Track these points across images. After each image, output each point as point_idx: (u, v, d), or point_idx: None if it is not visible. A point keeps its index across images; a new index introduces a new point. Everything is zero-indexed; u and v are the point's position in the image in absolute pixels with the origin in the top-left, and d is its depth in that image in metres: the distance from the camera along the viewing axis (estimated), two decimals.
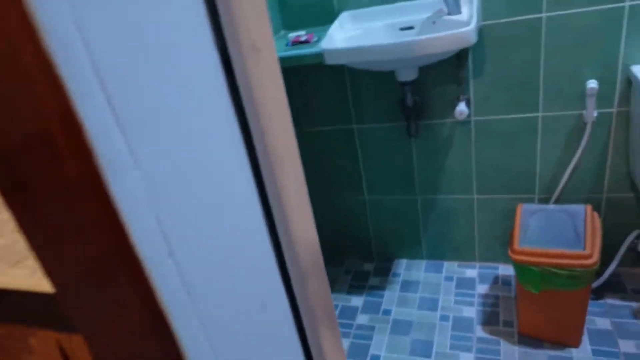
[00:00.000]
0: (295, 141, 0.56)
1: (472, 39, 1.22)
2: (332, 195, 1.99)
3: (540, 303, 1.42)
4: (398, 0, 1.52)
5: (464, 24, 1.32)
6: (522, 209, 1.46)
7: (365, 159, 1.86)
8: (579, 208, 1.40)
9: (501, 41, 1.48)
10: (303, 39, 1.48)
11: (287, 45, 1.49)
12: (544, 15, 1.40)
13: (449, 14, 1.42)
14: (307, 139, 1.89)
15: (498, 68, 1.53)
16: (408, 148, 1.78)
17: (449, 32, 1.22)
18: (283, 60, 1.42)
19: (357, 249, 2.10)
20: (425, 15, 1.48)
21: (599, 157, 1.57)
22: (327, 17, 1.61)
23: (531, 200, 1.71)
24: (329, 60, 1.36)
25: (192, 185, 0.39)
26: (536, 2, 1.39)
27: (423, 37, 1.24)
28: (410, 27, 1.50)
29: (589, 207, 1.41)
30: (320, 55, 1.37)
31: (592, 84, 1.42)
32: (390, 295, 1.86)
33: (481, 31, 1.48)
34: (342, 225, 2.05)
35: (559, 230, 1.39)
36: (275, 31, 1.65)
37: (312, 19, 1.64)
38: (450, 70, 1.57)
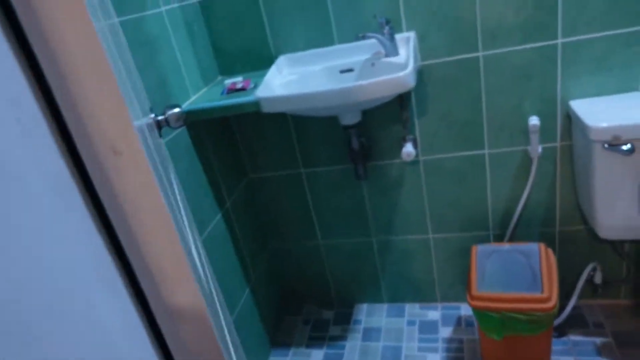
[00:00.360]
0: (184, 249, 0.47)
1: (410, 83, 1.18)
2: (285, 241, 1.90)
3: (504, 348, 1.35)
4: (335, 42, 1.48)
5: (402, 67, 1.28)
6: (477, 250, 1.41)
7: (316, 203, 1.79)
8: (532, 247, 1.36)
9: (442, 80, 1.46)
10: (239, 86, 1.41)
11: (222, 93, 1.41)
12: (480, 54, 1.39)
13: (386, 55, 1.39)
14: (254, 186, 1.80)
15: (441, 106, 1.50)
16: (359, 190, 1.72)
17: (386, 77, 1.18)
18: (219, 110, 1.34)
19: (316, 295, 2.00)
20: (363, 56, 1.44)
21: (548, 191, 1.55)
22: (264, 61, 1.55)
23: (486, 237, 1.67)
24: (266, 109, 1.29)
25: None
26: (472, 42, 1.38)
27: (360, 82, 1.20)
28: (350, 70, 1.46)
29: (542, 246, 1.38)
30: (257, 103, 1.30)
31: (534, 120, 1.41)
32: (352, 346, 1.76)
33: (421, 71, 1.46)
34: (299, 272, 1.95)
35: (515, 272, 1.34)
36: (212, 78, 1.58)
37: (249, 63, 1.58)
38: (394, 111, 1.53)
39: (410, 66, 1.20)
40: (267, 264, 1.88)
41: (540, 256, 1.33)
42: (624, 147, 1.20)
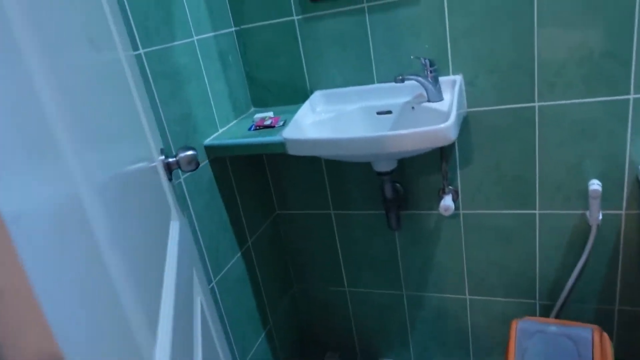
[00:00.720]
0: None
1: (451, 137, 1.05)
2: (310, 284, 1.78)
3: None
4: (375, 81, 1.37)
5: (444, 116, 1.15)
6: (517, 327, 1.23)
7: (345, 248, 1.66)
8: (585, 333, 1.16)
9: (490, 130, 1.31)
10: (268, 122, 1.33)
11: (249, 129, 1.33)
12: (536, 104, 1.24)
13: (428, 99, 1.26)
14: (282, 222, 1.70)
15: (488, 158, 1.35)
16: (392, 239, 1.58)
17: (424, 129, 1.05)
18: (242, 148, 1.27)
19: (339, 345, 1.86)
20: (404, 99, 1.32)
21: (608, 263, 1.35)
22: (299, 95, 1.47)
23: (532, 307, 1.48)
24: (293, 151, 1.20)
25: None
26: (527, 90, 1.23)
27: (395, 132, 1.08)
28: (388, 112, 1.34)
29: (596, 331, 1.18)
30: (283, 144, 1.21)
31: (595, 185, 1.22)
32: None
33: (467, 118, 1.32)
34: (322, 318, 1.83)
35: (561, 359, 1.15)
36: (244, 110, 1.51)
37: (284, 96, 1.50)
38: (434, 159, 1.39)
39: (453, 117, 1.07)
40: (288, 307, 1.77)
41: (593, 345, 1.13)
42: None
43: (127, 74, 0.78)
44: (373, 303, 1.72)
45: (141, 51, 1.07)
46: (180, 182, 1.19)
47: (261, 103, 1.54)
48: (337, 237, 1.66)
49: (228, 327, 1.37)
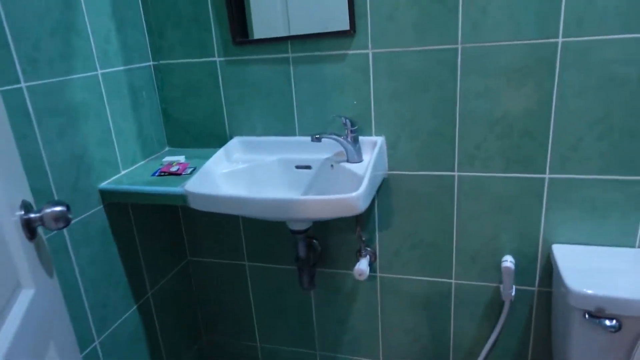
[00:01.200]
0: None
1: (359, 207, 0.99)
2: (220, 336, 1.65)
3: None
4: (297, 133, 1.30)
5: (359, 180, 1.09)
6: None
7: (258, 301, 1.56)
8: None
9: (410, 194, 1.27)
10: (174, 169, 1.22)
11: (154, 174, 1.22)
12: (455, 174, 1.20)
13: (347, 159, 1.20)
14: (193, 270, 1.58)
15: (407, 223, 1.30)
16: (306, 297, 1.50)
17: (331, 197, 0.98)
18: (140, 196, 1.15)
19: None
20: (325, 155, 1.26)
21: (519, 338, 1.32)
22: (218, 139, 1.37)
23: None
24: (195, 206, 1.09)
25: None
26: (447, 159, 1.20)
27: (301, 198, 1.00)
28: (307, 167, 1.27)
29: None
30: (184, 197, 1.10)
31: (508, 262, 1.20)
32: None
33: (388, 181, 1.27)
34: None
35: None
36: (157, 148, 1.39)
37: (201, 138, 1.40)
38: (352, 219, 1.33)
39: (364, 186, 1.00)
40: None
41: None
42: (608, 323, 0.98)
43: None
44: None
45: (22, 85, 0.94)
46: (61, 232, 1.05)
47: (177, 143, 1.43)
48: (250, 290, 1.55)
49: None
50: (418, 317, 1.40)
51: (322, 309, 1.49)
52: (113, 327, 1.23)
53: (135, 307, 1.31)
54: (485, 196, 1.20)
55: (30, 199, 0.81)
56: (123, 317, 1.27)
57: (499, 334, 1.32)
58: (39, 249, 0.80)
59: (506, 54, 1.07)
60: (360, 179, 1.10)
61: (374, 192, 1.11)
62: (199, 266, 1.56)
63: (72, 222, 1.08)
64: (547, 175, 1.14)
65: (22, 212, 0.76)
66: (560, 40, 1.03)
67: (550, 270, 1.22)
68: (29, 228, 0.78)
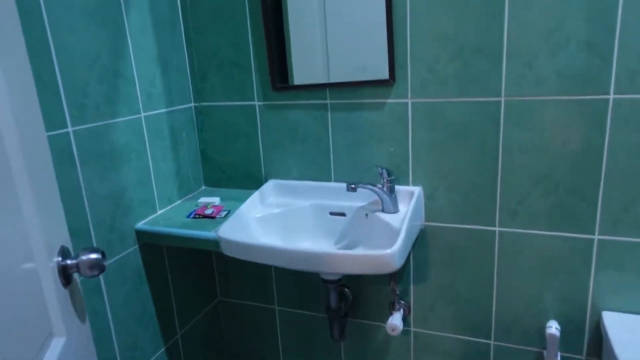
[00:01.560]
0: None
1: (395, 265, 0.95)
2: None
3: None
4: (332, 179, 1.29)
5: (394, 233, 1.06)
6: None
7: (287, 347, 1.52)
8: None
9: (448, 248, 1.21)
10: (209, 211, 1.23)
11: (189, 216, 1.22)
12: (497, 229, 1.15)
13: (383, 209, 1.17)
14: (222, 310, 1.56)
15: (444, 277, 1.24)
16: (336, 348, 1.44)
17: (366, 253, 0.95)
18: (174, 239, 1.15)
19: None
20: (359, 203, 1.23)
21: None
22: (253, 181, 1.38)
23: None
24: (227, 252, 1.08)
25: None
26: (488, 213, 1.14)
27: (335, 252, 0.98)
28: (342, 214, 1.24)
29: None
30: (217, 242, 1.10)
31: (553, 329, 1.11)
32: None
33: (424, 232, 1.22)
34: None
35: None
36: (194, 187, 1.41)
37: (237, 179, 1.41)
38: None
39: (399, 242, 0.97)
40: None
41: None
42: None
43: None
44: None
45: (69, 129, 0.97)
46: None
47: (213, 183, 1.44)
48: (279, 335, 1.51)
49: None
50: None
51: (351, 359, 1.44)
52: None
53: (163, 348, 1.30)
54: (529, 254, 1.13)
55: (68, 244, 0.82)
56: (152, 358, 1.26)
57: None
58: (73, 295, 0.81)
59: (551, 108, 1.02)
60: (395, 232, 1.07)
61: (410, 247, 1.07)
62: (229, 307, 1.55)
63: (109, 262, 1.10)
64: (596, 237, 1.07)
65: (60, 259, 0.77)
66: (611, 97, 0.98)
67: (599, 338, 1.13)
68: (65, 275, 0.79)
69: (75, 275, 0.82)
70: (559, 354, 1.16)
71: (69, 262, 0.80)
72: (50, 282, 0.73)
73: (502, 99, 1.06)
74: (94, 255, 0.82)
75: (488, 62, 1.05)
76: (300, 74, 1.26)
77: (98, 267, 0.82)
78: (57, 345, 0.74)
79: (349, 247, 1.19)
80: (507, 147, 1.08)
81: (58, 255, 0.77)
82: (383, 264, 0.95)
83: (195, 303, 1.44)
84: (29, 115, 0.71)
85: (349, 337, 1.40)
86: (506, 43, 1.02)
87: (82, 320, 0.84)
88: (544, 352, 1.18)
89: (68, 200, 0.98)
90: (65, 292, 0.78)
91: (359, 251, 0.96)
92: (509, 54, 1.02)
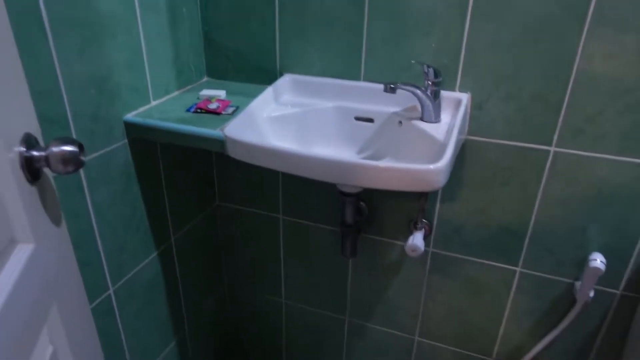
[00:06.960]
0: None
1: (439, 182, 0.79)
2: (243, 287, 1.54)
3: None
4: (361, 77, 1.08)
5: (436, 147, 0.89)
6: None
7: (289, 258, 1.42)
8: None
9: (488, 166, 1.06)
10: (213, 106, 1.03)
11: (188, 109, 1.03)
12: (552, 149, 0.99)
13: (422, 117, 0.99)
14: (220, 216, 1.43)
15: (477, 199, 1.10)
16: (344, 261, 1.34)
17: (406, 167, 0.79)
18: (170, 135, 0.97)
19: (264, 358, 1.65)
20: (392, 108, 1.05)
21: (583, 341, 1.16)
22: (265, 74, 1.16)
23: None
24: (233, 154, 0.91)
25: None
26: (545, 131, 0.97)
27: (367, 163, 0.81)
28: (370, 120, 1.06)
29: None
30: (221, 142, 0.92)
31: (598, 261, 1.00)
32: None
33: (464, 146, 1.06)
34: (250, 326, 1.61)
35: None
36: (194, 78, 1.19)
37: (246, 71, 1.19)
38: None
39: (447, 157, 0.80)
40: (213, 311, 1.52)
41: None
42: None
43: None
44: (310, 322, 1.50)
45: None
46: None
47: (218, 74, 1.22)
48: (281, 245, 1.40)
49: (124, 341, 1.12)
50: (467, 302, 1.24)
51: (359, 276, 1.35)
52: (130, 274, 1.10)
53: (155, 254, 1.18)
54: (584, 180, 0.99)
55: (36, 131, 0.64)
56: (142, 264, 1.14)
57: (558, 335, 1.16)
58: (43, 194, 0.64)
59: None
60: (438, 145, 0.90)
61: (452, 165, 0.91)
62: (229, 212, 1.41)
63: (91, 157, 0.92)
64: None
65: (23, 149, 0.59)
66: None
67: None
68: (31, 169, 0.61)
69: (46, 171, 0.65)
70: (592, 288, 1.07)
71: (35, 153, 0.62)
72: (9, 176, 0.56)
73: None
74: (68, 148, 0.63)
75: None
76: None
77: (74, 161, 0.64)
78: (22, 253, 0.59)
79: (373, 158, 1.02)
80: (586, 53, 0.88)
81: (21, 144, 0.59)
82: (425, 181, 0.79)
83: (191, 207, 1.30)
84: None
85: (359, 252, 1.29)
86: None
87: (57, 223, 0.68)
88: (576, 283, 1.08)
89: (39, 80, 0.77)
90: (31, 189, 0.61)
91: (399, 164, 0.79)
92: None
